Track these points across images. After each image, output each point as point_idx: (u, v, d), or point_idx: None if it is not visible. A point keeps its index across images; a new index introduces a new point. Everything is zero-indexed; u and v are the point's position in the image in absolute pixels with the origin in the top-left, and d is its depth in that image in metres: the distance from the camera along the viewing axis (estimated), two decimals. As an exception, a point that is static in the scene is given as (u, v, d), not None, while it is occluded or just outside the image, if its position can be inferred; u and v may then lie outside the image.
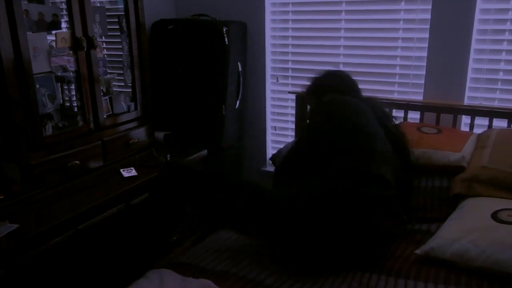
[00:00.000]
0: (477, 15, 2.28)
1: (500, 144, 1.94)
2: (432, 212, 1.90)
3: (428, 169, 2.03)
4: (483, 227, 1.53)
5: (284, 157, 2.04)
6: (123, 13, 2.26)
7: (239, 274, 1.49)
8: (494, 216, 1.57)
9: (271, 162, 2.56)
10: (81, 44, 1.97)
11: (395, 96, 2.60)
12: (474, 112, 2.31)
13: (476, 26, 2.30)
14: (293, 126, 2.86)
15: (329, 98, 1.83)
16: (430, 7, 2.37)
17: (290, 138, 2.92)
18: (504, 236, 1.46)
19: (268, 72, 2.94)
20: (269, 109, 3.01)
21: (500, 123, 2.31)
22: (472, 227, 1.54)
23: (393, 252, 1.63)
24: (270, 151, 3.05)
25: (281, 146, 2.57)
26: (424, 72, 2.47)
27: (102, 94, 2.16)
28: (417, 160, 1.98)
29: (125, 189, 2.01)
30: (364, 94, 2.00)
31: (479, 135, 2.18)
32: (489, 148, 1.93)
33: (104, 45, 2.27)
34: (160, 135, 2.61)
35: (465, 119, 2.42)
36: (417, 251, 1.57)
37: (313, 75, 2.05)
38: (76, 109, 2.08)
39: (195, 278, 1.44)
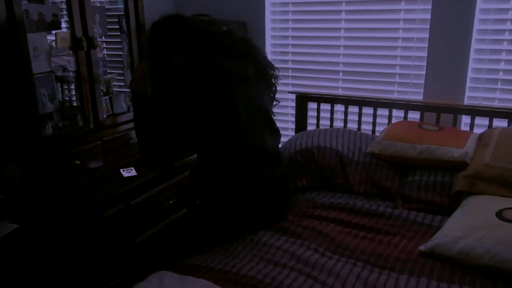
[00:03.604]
0: (477, 15, 2.28)
1: (503, 142, 1.93)
2: (434, 205, 1.90)
3: (430, 164, 2.03)
4: (488, 226, 1.52)
5: None
6: (123, 13, 2.26)
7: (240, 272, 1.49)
8: (499, 214, 1.57)
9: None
10: (81, 44, 1.96)
11: (395, 96, 2.60)
12: (474, 112, 2.31)
13: (476, 26, 2.30)
14: (293, 126, 2.86)
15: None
16: (430, 7, 2.37)
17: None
18: (509, 234, 1.46)
19: (268, 72, 2.93)
20: (269, 109, 3.00)
21: (500, 123, 2.31)
22: (477, 225, 1.54)
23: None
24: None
25: (280, 145, 2.56)
26: (424, 72, 2.47)
27: (102, 94, 2.15)
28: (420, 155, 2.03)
29: (125, 189, 2.01)
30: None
31: (481, 133, 2.17)
32: (491, 146, 1.93)
33: (104, 45, 2.27)
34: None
35: (465, 119, 2.42)
36: (421, 248, 1.56)
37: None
38: (76, 109, 2.08)
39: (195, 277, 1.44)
